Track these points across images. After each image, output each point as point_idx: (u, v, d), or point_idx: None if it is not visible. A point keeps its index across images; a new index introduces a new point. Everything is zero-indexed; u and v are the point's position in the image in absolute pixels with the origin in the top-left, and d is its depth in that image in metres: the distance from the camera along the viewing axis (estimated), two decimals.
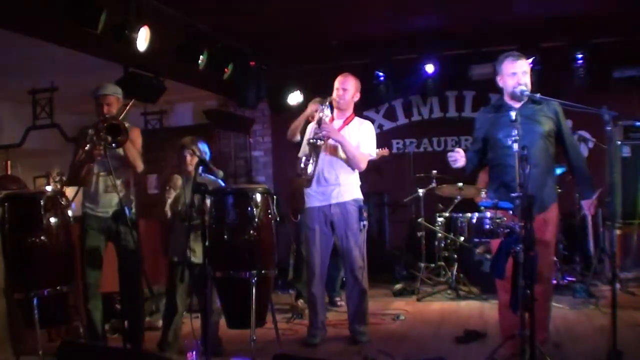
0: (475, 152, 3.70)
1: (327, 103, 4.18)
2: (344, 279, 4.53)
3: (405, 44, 6.57)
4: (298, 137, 4.36)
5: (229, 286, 3.66)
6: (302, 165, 4.14)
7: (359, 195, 4.29)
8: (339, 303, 5.48)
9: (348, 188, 4.23)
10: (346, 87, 4.23)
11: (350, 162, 4.19)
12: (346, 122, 4.29)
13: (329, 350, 4.13)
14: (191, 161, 4.07)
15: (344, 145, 4.13)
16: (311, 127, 4.26)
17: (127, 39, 4.62)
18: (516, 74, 3.49)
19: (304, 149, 4.30)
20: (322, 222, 4.22)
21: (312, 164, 4.12)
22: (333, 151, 4.19)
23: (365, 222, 4.21)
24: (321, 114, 4.11)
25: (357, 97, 4.33)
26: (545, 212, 3.47)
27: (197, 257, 3.91)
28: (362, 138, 4.24)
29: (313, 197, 4.25)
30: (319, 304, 4.25)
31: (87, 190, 4.07)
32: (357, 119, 4.34)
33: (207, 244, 3.52)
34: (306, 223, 4.30)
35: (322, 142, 4.10)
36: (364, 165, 4.22)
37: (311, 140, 4.09)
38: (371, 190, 6.53)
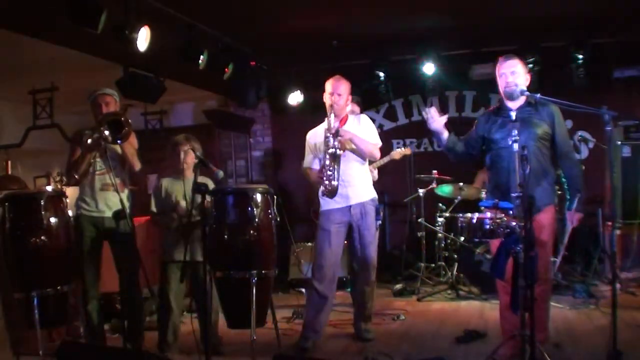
0: (465, 141, 3.72)
1: (330, 113, 4.12)
2: (349, 277, 4.53)
3: (405, 44, 6.56)
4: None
5: (229, 286, 3.67)
6: (325, 178, 4.08)
7: (374, 194, 4.33)
8: None
9: (365, 188, 4.27)
10: (340, 92, 4.21)
11: (366, 156, 4.26)
12: (342, 124, 4.27)
13: (330, 350, 4.13)
14: (185, 159, 4.05)
15: (358, 143, 4.15)
16: (320, 137, 4.20)
17: (127, 39, 4.61)
18: (504, 74, 3.54)
19: (308, 158, 4.33)
20: (340, 224, 4.21)
21: (334, 174, 4.06)
22: (347, 153, 4.18)
23: (380, 222, 4.27)
24: (334, 124, 4.08)
25: (349, 100, 4.34)
26: (538, 214, 3.43)
27: (188, 255, 3.89)
28: (364, 132, 4.26)
29: (330, 200, 4.19)
30: (327, 306, 4.20)
31: (82, 190, 4.06)
32: (351, 117, 4.36)
33: (207, 244, 3.52)
34: (322, 225, 4.26)
35: (342, 151, 4.07)
36: (379, 154, 4.36)
37: (330, 151, 4.03)
38: None
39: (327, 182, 4.08)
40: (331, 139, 4.05)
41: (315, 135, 4.31)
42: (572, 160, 3.64)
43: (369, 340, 4.24)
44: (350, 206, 4.20)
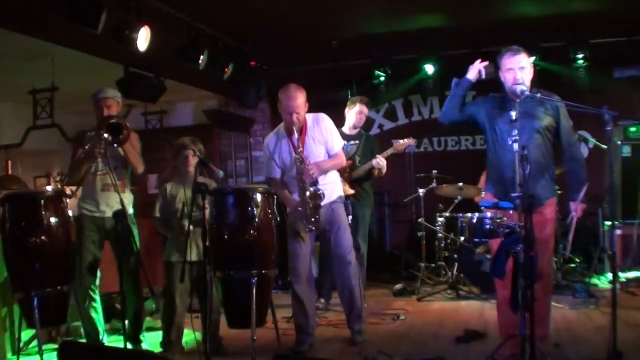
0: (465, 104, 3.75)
1: (295, 134, 3.94)
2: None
3: (405, 44, 6.57)
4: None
5: (229, 286, 3.67)
6: (304, 209, 3.90)
7: (342, 192, 4.26)
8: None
9: (332, 188, 4.11)
10: (299, 110, 3.93)
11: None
12: (304, 132, 4.01)
13: (329, 350, 4.12)
14: (192, 161, 4.07)
15: (326, 169, 4.04)
16: (285, 152, 4.04)
17: (127, 39, 4.62)
18: (513, 69, 3.47)
19: (270, 167, 4.11)
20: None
21: (315, 212, 3.89)
22: (312, 155, 4.00)
23: (350, 217, 4.17)
24: (304, 165, 3.89)
25: (307, 106, 4.03)
26: (540, 207, 3.43)
27: (194, 255, 3.92)
28: (327, 138, 4.08)
29: (297, 198, 4.01)
30: (308, 307, 4.08)
31: (84, 190, 4.07)
32: (309, 118, 4.07)
33: (207, 244, 3.52)
34: (290, 225, 4.09)
35: (322, 193, 3.92)
36: (343, 161, 4.27)
37: (312, 189, 3.87)
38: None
39: (309, 215, 3.88)
40: (308, 183, 3.88)
41: (276, 146, 4.08)
42: (576, 153, 3.60)
43: (360, 342, 4.10)
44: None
